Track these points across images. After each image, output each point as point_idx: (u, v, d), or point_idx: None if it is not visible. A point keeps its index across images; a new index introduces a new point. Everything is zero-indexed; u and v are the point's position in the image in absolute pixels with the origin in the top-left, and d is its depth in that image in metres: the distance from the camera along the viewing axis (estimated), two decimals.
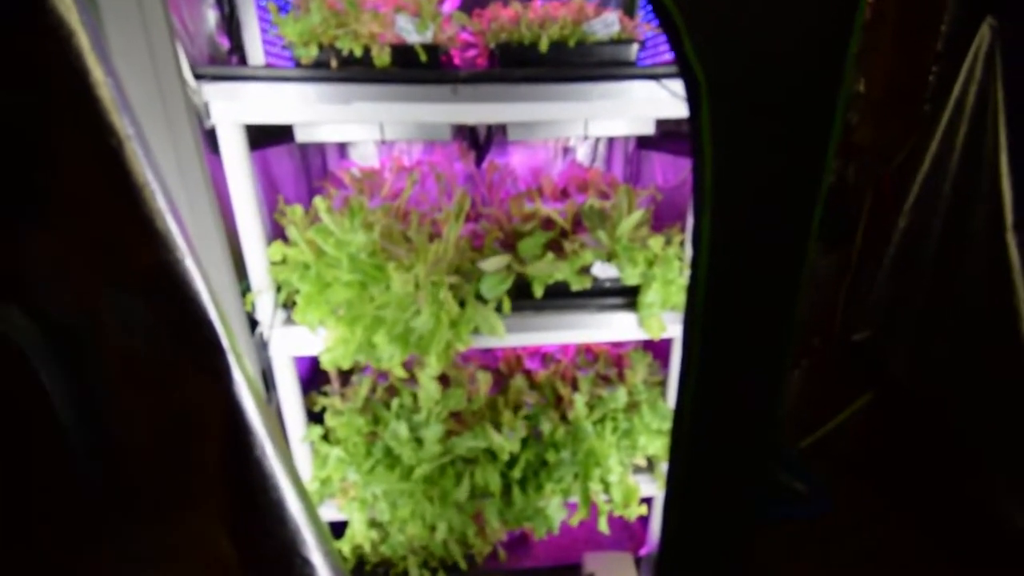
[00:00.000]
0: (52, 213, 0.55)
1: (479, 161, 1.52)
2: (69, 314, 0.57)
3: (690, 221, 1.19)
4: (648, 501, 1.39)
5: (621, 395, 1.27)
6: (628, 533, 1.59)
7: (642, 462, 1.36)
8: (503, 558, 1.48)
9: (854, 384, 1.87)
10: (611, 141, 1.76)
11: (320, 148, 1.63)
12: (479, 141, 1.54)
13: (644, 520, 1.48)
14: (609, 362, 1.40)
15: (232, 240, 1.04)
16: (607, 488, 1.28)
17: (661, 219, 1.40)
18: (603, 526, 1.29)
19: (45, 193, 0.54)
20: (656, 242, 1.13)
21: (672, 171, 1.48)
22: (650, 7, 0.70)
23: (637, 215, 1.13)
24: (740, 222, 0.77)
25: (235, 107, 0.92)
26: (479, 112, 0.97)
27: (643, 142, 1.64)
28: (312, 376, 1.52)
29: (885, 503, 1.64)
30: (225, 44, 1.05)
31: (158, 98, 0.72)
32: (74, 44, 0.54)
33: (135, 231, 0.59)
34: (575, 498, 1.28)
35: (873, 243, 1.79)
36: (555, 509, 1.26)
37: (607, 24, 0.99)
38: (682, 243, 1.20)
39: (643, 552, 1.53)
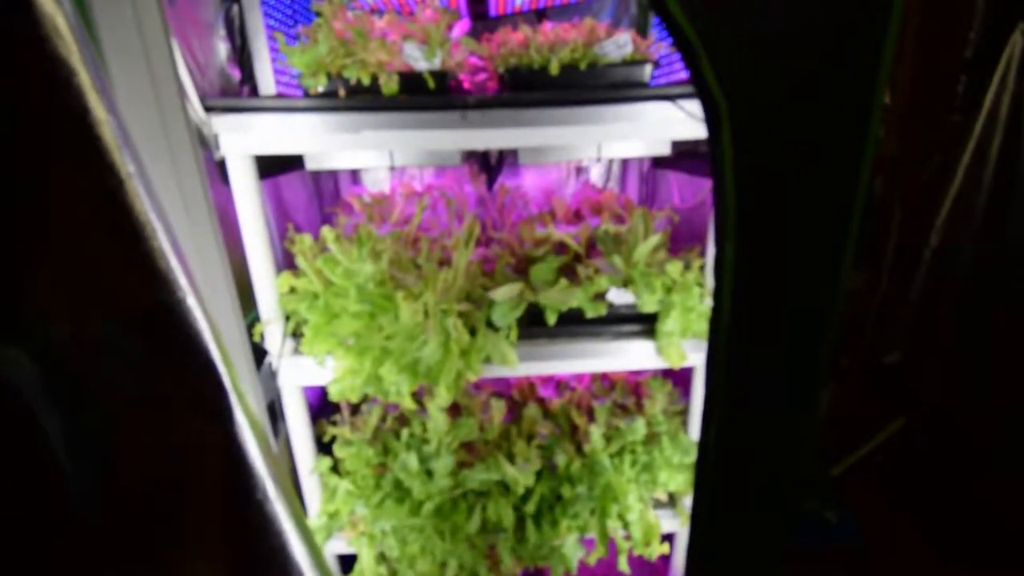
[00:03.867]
0: (51, 254, 0.53)
1: (490, 184, 1.50)
2: (67, 355, 0.55)
3: (710, 245, 1.14)
4: (670, 538, 1.32)
5: (640, 426, 1.21)
6: (649, 569, 1.51)
7: (663, 496, 1.29)
8: None
9: (885, 408, 1.76)
10: (626, 161, 1.72)
11: (332, 174, 1.63)
12: (490, 164, 1.52)
13: (665, 558, 1.40)
14: (627, 390, 1.35)
15: (243, 270, 1.03)
16: (626, 525, 1.21)
17: (679, 241, 1.36)
18: (623, 566, 1.22)
19: (44, 234, 0.53)
20: (674, 267, 1.09)
21: (689, 191, 1.43)
22: (663, 26, 0.66)
23: (654, 239, 1.08)
24: (767, 251, 0.73)
25: (244, 138, 0.92)
26: (489, 138, 0.95)
27: (659, 161, 1.60)
28: (322, 404, 1.50)
29: (918, 533, 1.53)
30: (236, 75, 1.06)
31: (162, 133, 0.71)
32: (75, 84, 0.53)
33: (135, 271, 0.57)
34: (592, 534, 1.22)
35: (903, 260, 1.71)
36: (571, 547, 1.20)
37: (619, 45, 0.97)
38: (702, 268, 1.15)
39: None
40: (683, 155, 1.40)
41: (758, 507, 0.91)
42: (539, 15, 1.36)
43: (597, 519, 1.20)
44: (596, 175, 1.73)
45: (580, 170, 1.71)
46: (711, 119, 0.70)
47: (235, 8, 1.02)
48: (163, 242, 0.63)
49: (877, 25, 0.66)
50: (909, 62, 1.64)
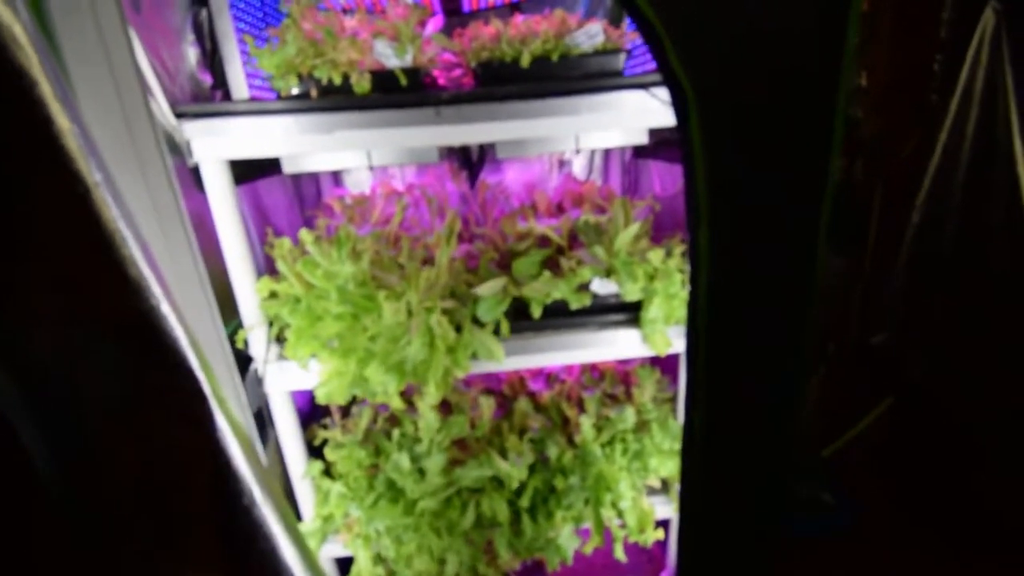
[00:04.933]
0: (21, 266, 0.53)
1: (473, 180, 1.50)
2: (43, 367, 0.55)
3: None
4: (665, 524, 1.33)
5: (629, 415, 1.22)
6: (646, 557, 1.52)
7: (656, 484, 1.30)
8: None
9: (874, 389, 1.78)
10: (607, 152, 1.72)
11: (314, 177, 1.62)
12: (471, 160, 1.52)
13: (662, 544, 1.42)
14: (616, 380, 1.36)
15: (225, 276, 1.03)
16: (620, 513, 1.22)
17: (661, 229, 1.36)
18: (619, 553, 1.23)
19: (13, 246, 0.52)
20: (656, 255, 1.09)
21: (670, 179, 1.44)
22: (629, 15, 0.67)
23: (634, 228, 1.09)
24: (740, 234, 0.73)
25: (216, 143, 0.91)
26: (464, 133, 0.94)
27: (639, 151, 1.60)
28: (313, 409, 1.50)
29: (908, 514, 1.54)
30: (208, 80, 1.05)
31: (128, 142, 0.70)
32: (36, 95, 0.52)
33: (106, 280, 0.57)
34: (587, 524, 1.23)
35: (886, 241, 1.72)
36: (567, 538, 1.21)
37: (591, 35, 0.97)
38: (683, 254, 1.15)
39: (663, 575, 1.46)
40: (662, 144, 1.40)
41: (745, 489, 0.92)
42: (513, 9, 1.35)
43: (591, 509, 1.21)
44: (578, 168, 1.74)
45: (563, 163, 1.71)
46: (679, 107, 0.70)
47: (203, 13, 1.01)
48: (134, 250, 0.63)
49: (840, 12, 0.66)
50: (885, 44, 1.66)
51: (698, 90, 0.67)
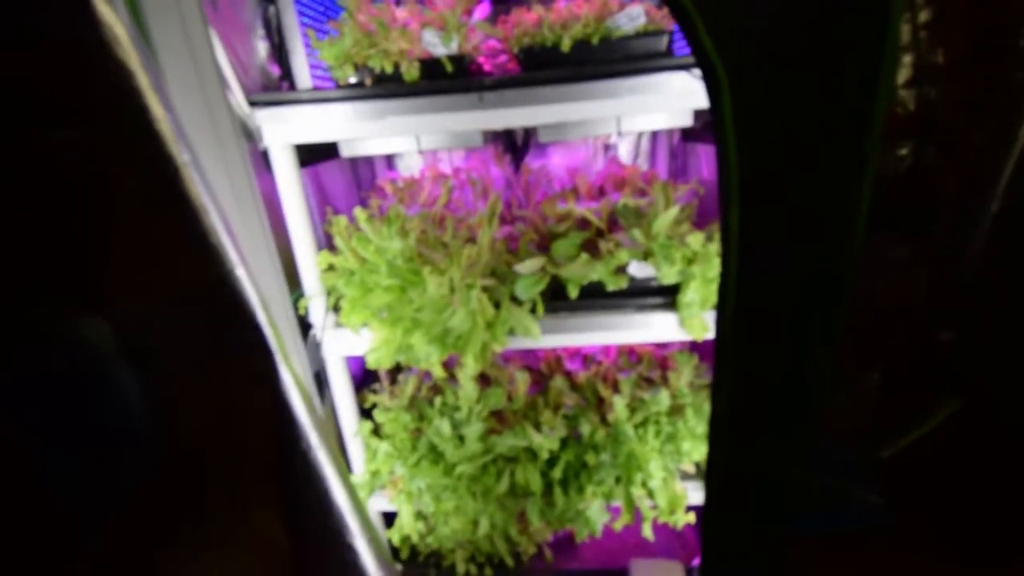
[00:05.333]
0: (124, 231, 0.63)
1: (517, 164, 1.54)
2: (136, 323, 0.66)
3: None
4: (699, 509, 1.33)
5: (663, 398, 1.23)
6: (680, 541, 1.53)
7: (690, 468, 1.31)
8: (549, 558, 1.48)
9: (940, 390, 1.66)
10: (654, 135, 1.70)
11: (369, 161, 1.72)
12: (516, 145, 1.55)
13: (695, 528, 1.42)
14: (653, 364, 1.36)
15: (290, 251, 1.14)
16: (650, 493, 1.24)
17: (707, 214, 1.34)
18: (647, 532, 1.26)
19: (115, 216, 0.63)
20: (695, 239, 1.09)
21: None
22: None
23: (673, 211, 1.09)
24: (772, 218, 0.72)
25: (283, 129, 1.01)
26: (505, 117, 0.98)
27: (687, 135, 1.57)
28: (364, 375, 1.62)
29: (957, 524, 1.44)
30: (276, 72, 1.15)
31: (210, 127, 0.80)
32: (136, 84, 0.62)
33: (192, 247, 0.67)
34: (618, 501, 1.26)
35: (960, 231, 1.59)
36: (596, 512, 1.25)
37: (632, 17, 0.97)
38: None
39: (696, 562, 1.47)
40: (710, 127, 1.37)
41: (768, 478, 0.91)
42: None
43: (622, 487, 1.24)
44: (625, 152, 1.73)
45: (608, 147, 1.71)
46: (712, 88, 0.70)
47: (272, 9, 1.11)
48: (216, 221, 0.73)
49: None
50: (962, 18, 1.51)
51: (731, 71, 0.67)
